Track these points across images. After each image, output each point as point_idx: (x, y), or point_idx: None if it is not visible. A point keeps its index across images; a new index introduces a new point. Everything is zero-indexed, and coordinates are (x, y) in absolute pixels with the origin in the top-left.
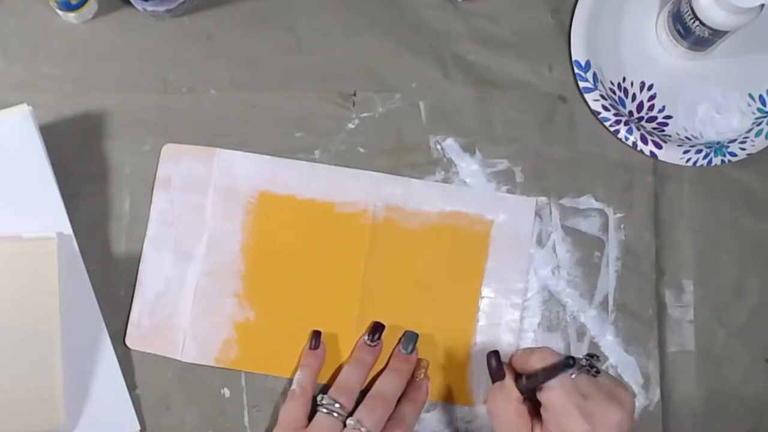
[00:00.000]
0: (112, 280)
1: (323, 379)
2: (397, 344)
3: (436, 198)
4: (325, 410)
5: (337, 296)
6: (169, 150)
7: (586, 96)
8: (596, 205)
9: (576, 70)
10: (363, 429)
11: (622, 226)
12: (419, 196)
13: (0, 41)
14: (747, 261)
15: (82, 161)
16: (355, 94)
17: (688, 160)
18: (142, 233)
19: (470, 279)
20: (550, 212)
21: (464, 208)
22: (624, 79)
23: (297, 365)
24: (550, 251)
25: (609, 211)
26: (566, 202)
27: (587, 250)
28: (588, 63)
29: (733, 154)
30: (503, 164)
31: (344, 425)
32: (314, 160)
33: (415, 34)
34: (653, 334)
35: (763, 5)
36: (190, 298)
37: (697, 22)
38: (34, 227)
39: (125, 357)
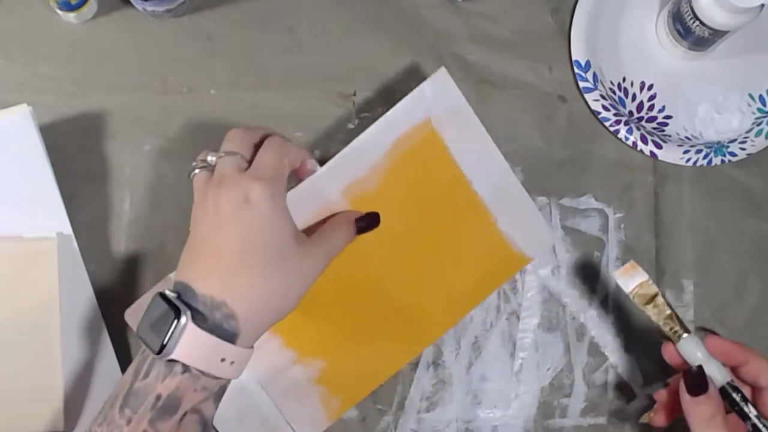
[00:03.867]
0: (112, 280)
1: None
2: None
3: (369, 147)
4: (196, 171)
5: (367, 291)
6: (132, 312)
7: (586, 96)
8: (596, 205)
9: (576, 70)
10: (225, 151)
11: (622, 226)
12: (356, 158)
13: (0, 41)
14: (747, 261)
15: (82, 161)
16: (355, 94)
17: (688, 160)
18: (142, 233)
19: (454, 180)
20: (550, 212)
21: (399, 132)
22: (624, 79)
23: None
24: (550, 251)
25: (609, 211)
26: (566, 202)
27: (587, 250)
28: (588, 63)
29: (733, 154)
30: None
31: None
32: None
33: (415, 34)
34: (653, 334)
35: (763, 5)
36: (270, 404)
37: (697, 22)
38: (34, 227)
39: (125, 357)
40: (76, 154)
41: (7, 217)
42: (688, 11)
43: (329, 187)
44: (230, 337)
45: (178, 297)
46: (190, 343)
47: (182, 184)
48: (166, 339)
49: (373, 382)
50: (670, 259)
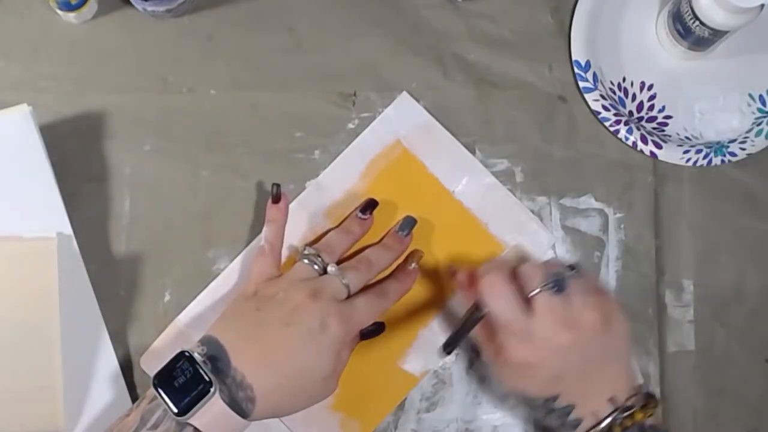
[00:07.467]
0: (112, 280)
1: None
2: (395, 225)
3: (343, 172)
4: (306, 261)
5: None
6: (147, 360)
7: (586, 96)
8: (596, 205)
9: (576, 70)
10: (344, 280)
11: (622, 226)
12: (332, 183)
13: (0, 41)
14: (747, 261)
15: (82, 161)
16: (355, 94)
17: (688, 160)
18: (142, 233)
19: (435, 192)
20: (550, 212)
21: (371, 154)
22: (624, 79)
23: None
24: (550, 251)
25: (609, 211)
26: (566, 202)
27: (587, 250)
28: (588, 63)
29: (733, 154)
30: (503, 164)
31: (324, 273)
32: (314, 161)
33: (415, 34)
34: (653, 334)
35: (763, 5)
36: None
37: (697, 22)
38: (34, 227)
39: (125, 358)
40: (76, 154)
41: (7, 217)
42: (688, 11)
43: (313, 208)
44: (242, 414)
45: (208, 361)
46: (210, 412)
47: (182, 184)
48: (194, 409)
49: (390, 403)
50: (670, 259)
